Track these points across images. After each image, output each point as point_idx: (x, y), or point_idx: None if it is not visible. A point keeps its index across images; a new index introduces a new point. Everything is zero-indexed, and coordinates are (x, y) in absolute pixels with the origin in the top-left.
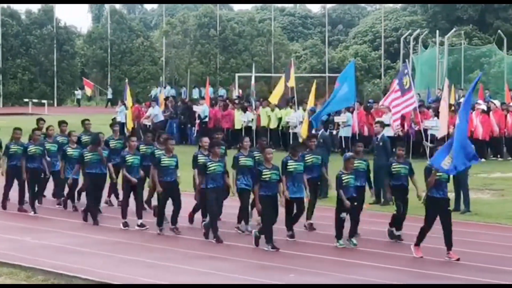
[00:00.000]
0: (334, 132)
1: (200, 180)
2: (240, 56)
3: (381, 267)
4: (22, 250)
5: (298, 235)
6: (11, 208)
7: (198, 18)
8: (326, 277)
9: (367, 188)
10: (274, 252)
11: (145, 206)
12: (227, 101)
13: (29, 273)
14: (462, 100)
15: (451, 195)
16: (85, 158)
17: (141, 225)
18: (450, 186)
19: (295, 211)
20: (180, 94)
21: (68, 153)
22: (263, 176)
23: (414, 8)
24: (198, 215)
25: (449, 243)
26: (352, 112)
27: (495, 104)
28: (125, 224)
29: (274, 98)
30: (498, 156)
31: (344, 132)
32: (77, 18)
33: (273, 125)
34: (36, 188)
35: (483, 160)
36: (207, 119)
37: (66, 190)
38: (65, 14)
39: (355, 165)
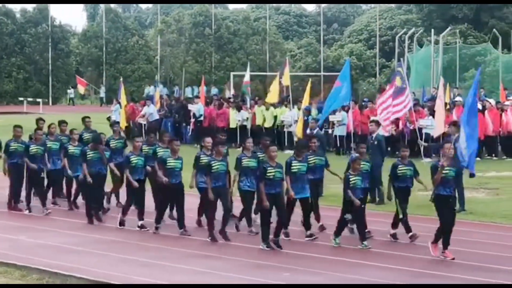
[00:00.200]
0: (329, 131)
1: (207, 180)
2: (235, 55)
3: (377, 266)
4: (18, 249)
5: (294, 234)
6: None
7: (193, 16)
8: (321, 276)
9: None
10: (269, 251)
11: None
12: (221, 100)
13: (23, 272)
14: (457, 98)
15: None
16: (87, 156)
17: (142, 227)
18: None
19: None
20: (172, 93)
21: (69, 151)
22: (267, 174)
23: (409, 7)
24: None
25: (446, 242)
26: (347, 111)
27: (490, 103)
28: (122, 223)
29: (273, 97)
30: (493, 155)
31: (339, 131)
32: (72, 17)
33: (268, 124)
34: (32, 187)
35: (477, 159)
36: (202, 118)
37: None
38: (60, 13)
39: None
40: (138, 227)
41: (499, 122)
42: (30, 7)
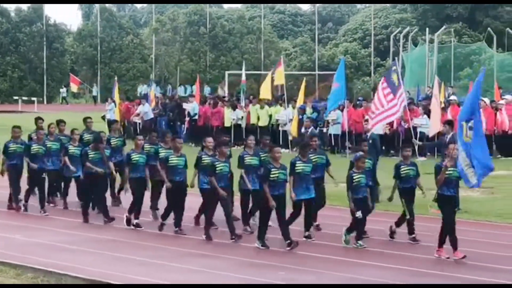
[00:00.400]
0: (324, 129)
1: (212, 181)
2: (230, 54)
3: (373, 265)
4: (12, 247)
5: (291, 234)
6: (3, 206)
7: (188, 15)
8: (317, 275)
9: None
10: (265, 250)
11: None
12: (217, 98)
13: (18, 270)
14: (452, 97)
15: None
16: (89, 156)
17: (136, 225)
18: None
19: (304, 212)
20: (165, 92)
21: (70, 151)
22: (271, 176)
23: (404, 6)
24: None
25: (442, 241)
26: (342, 110)
27: (484, 102)
28: (129, 222)
29: (265, 93)
30: None
31: (334, 130)
32: (66, 16)
33: (262, 123)
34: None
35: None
36: (196, 117)
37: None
38: (54, 12)
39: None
40: (133, 225)
41: (494, 121)
42: (25, 6)
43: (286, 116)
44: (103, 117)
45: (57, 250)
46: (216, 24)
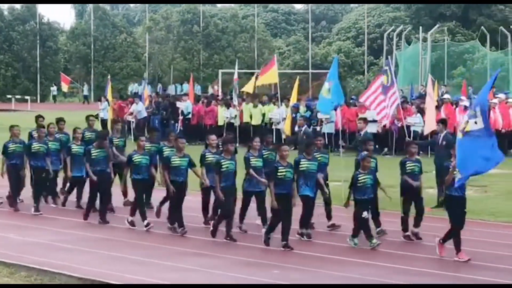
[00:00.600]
0: (318, 128)
1: (217, 179)
2: (223, 52)
3: (366, 263)
4: (6, 246)
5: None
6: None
7: (181, 14)
8: (310, 273)
9: None
10: (260, 249)
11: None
12: (212, 96)
13: (12, 269)
14: (445, 96)
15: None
16: (92, 155)
17: (131, 223)
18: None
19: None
20: (157, 91)
21: (73, 150)
22: (278, 174)
23: (397, 5)
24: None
25: (458, 244)
26: (335, 109)
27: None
28: (133, 223)
29: (248, 87)
30: None
31: (328, 129)
32: (60, 14)
33: (256, 121)
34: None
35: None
36: (190, 116)
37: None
38: (48, 10)
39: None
40: (128, 222)
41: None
42: (18, 4)
43: (280, 115)
44: (97, 116)
45: (52, 249)
46: (209, 22)
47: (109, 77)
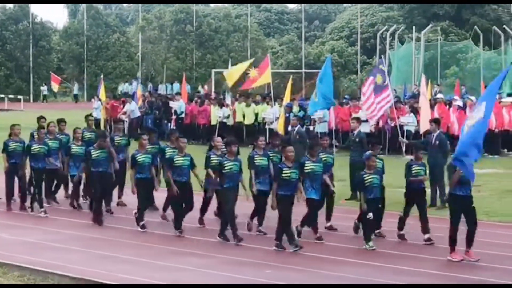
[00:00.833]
0: (311, 128)
1: (219, 180)
2: (216, 52)
3: (359, 263)
4: None
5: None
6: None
7: (174, 13)
8: (304, 273)
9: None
10: (253, 248)
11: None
12: (205, 96)
13: (4, 269)
14: (439, 95)
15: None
16: (92, 156)
17: (142, 227)
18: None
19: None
20: (150, 91)
21: (73, 150)
22: (283, 175)
23: (390, 4)
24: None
25: (470, 242)
26: (328, 108)
27: (472, 100)
28: (143, 226)
29: (230, 76)
30: None
31: (321, 128)
32: (53, 14)
33: (248, 121)
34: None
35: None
36: (183, 115)
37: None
38: (41, 10)
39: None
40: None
41: None
42: (10, 4)
43: (273, 114)
44: (90, 115)
45: (44, 249)
46: (202, 22)
47: (101, 76)
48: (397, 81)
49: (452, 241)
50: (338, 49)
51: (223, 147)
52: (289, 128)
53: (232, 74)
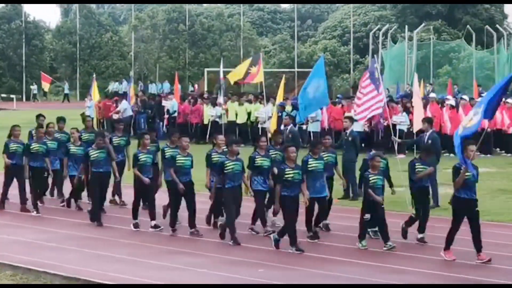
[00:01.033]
0: (304, 127)
1: (219, 179)
2: (209, 51)
3: (351, 262)
4: None
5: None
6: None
7: (167, 12)
8: (295, 272)
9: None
10: (246, 248)
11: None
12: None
13: None
14: (431, 94)
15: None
16: (92, 156)
17: (155, 227)
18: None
19: (316, 210)
20: (143, 90)
21: (71, 151)
22: (286, 176)
23: (383, 3)
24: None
25: (478, 245)
26: (321, 108)
27: (465, 100)
28: (136, 225)
29: (233, 76)
30: None
31: (313, 127)
32: (45, 13)
33: (241, 120)
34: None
35: (452, 155)
36: (176, 114)
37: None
38: (33, 9)
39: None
40: (152, 227)
41: None
42: (3, 3)
43: (266, 113)
44: (83, 114)
45: (38, 248)
46: (195, 21)
47: (94, 75)
48: (389, 81)
49: (449, 240)
50: (331, 48)
51: (225, 146)
52: (282, 127)
53: (235, 74)
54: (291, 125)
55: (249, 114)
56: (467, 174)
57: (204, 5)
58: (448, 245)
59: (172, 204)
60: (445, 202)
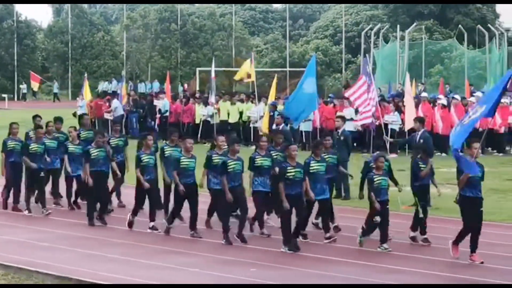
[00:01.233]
0: (295, 126)
1: (223, 180)
2: (201, 51)
3: (347, 262)
4: None
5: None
6: None
7: (158, 12)
8: (288, 272)
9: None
10: (238, 247)
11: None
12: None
13: None
14: (423, 94)
15: (434, 190)
16: (92, 155)
17: (153, 228)
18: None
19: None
20: (135, 89)
21: (69, 149)
22: (288, 174)
23: (374, 3)
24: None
25: (474, 246)
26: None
27: (457, 99)
28: (131, 224)
29: (239, 74)
30: (459, 150)
31: (305, 127)
32: (37, 12)
33: (233, 119)
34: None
35: (444, 154)
36: (167, 114)
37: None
38: (25, 8)
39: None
40: (150, 228)
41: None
42: None
43: (257, 113)
44: (74, 114)
45: (30, 248)
46: (187, 20)
47: (85, 75)
48: (381, 80)
49: (459, 237)
50: (323, 48)
51: (226, 146)
52: (274, 127)
53: (240, 74)
54: (283, 124)
55: (241, 113)
56: (469, 174)
57: (196, 4)
58: (457, 240)
59: (174, 204)
60: (436, 202)
